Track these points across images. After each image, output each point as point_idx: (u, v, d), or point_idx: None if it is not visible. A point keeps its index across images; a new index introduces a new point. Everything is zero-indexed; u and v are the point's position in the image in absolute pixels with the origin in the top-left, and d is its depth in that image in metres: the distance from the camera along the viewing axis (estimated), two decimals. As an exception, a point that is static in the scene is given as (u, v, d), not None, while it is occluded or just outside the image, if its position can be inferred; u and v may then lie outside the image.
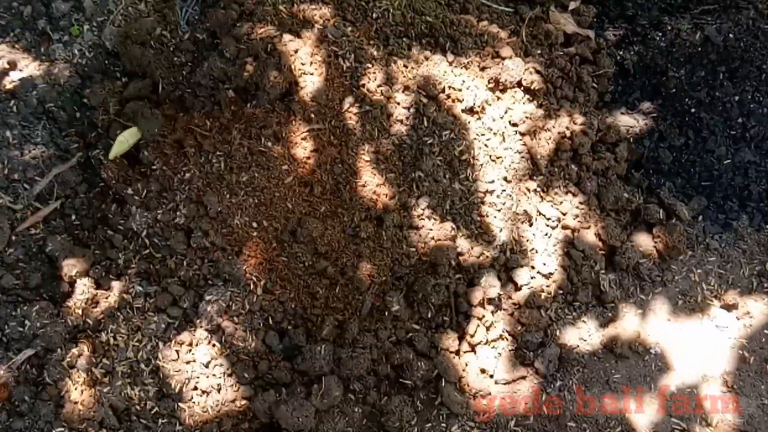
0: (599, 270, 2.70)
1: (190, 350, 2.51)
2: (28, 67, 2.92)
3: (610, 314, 2.69)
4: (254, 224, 2.59)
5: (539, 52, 2.96)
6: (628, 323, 2.66)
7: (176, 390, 2.47)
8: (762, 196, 2.86)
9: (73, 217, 2.74)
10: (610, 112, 2.99)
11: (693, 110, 2.94)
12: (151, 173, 2.69)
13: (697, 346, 2.65)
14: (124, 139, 2.72)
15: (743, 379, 2.60)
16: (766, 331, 2.67)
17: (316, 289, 2.57)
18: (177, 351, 2.51)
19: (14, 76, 2.88)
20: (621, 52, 3.09)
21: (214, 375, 2.48)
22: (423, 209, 2.59)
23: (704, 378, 2.60)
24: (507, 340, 2.57)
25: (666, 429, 2.54)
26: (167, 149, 2.69)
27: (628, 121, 2.95)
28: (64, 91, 2.90)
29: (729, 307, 2.70)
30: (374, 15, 2.74)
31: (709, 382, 2.60)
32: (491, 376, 2.54)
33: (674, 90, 2.98)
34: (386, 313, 2.56)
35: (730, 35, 3.05)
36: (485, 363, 2.53)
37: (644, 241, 2.77)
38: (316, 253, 2.58)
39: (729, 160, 2.88)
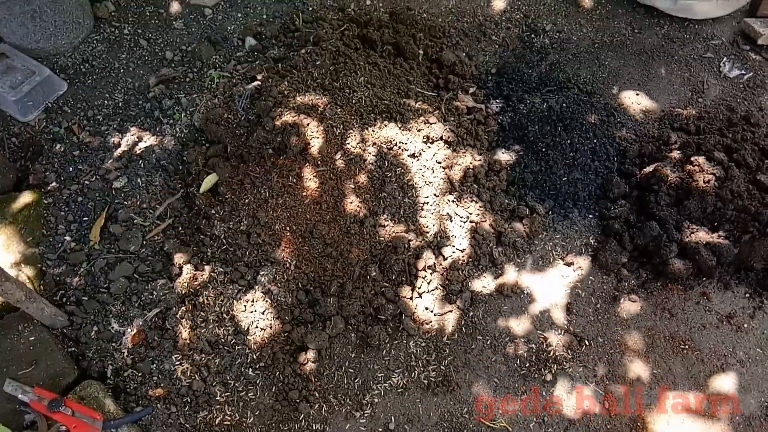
0: (492, 246, 2.74)
1: (252, 305, 2.54)
2: (149, 140, 2.99)
3: (499, 272, 2.72)
4: (287, 228, 2.64)
5: (452, 119, 3.02)
6: (510, 276, 2.71)
7: (245, 329, 2.51)
8: (585, 198, 2.90)
9: (180, 228, 2.76)
10: (495, 152, 3.03)
11: (543, 149, 2.99)
12: (225, 201, 2.73)
13: (550, 287, 2.71)
14: (208, 181, 2.78)
15: (578, 305, 2.67)
16: (591, 278, 2.72)
17: (326, 266, 2.61)
18: (245, 305, 2.54)
19: (141, 146, 2.95)
20: (501, 117, 3.14)
21: (267, 319, 2.53)
22: (387, 215, 2.65)
23: (554, 305, 2.66)
24: (440, 289, 2.62)
25: (535, 338, 2.57)
26: (234, 186, 2.73)
27: (506, 157, 3.00)
28: (171, 153, 2.95)
29: (569, 264, 2.75)
30: (353, 101, 2.79)
31: (558, 308, 2.65)
32: (431, 311, 2.59)
33: (532, 138, 3.02)
34: (368, 278, 2.60)
35: (564, 104, 3.10)
36: (427, 303, 2.59)
37: (518, 228, 2.82)
38: (325, 244, 2.63)
39: (565, 178, 2.92)
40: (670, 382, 2.47)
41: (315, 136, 2.63)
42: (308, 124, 2.65)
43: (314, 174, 2.61)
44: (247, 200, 2.66)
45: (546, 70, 3.30)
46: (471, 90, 3.18)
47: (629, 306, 2.64)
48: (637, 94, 3.23)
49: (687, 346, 2.54)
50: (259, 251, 2.61)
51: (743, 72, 3.30)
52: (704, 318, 2.60)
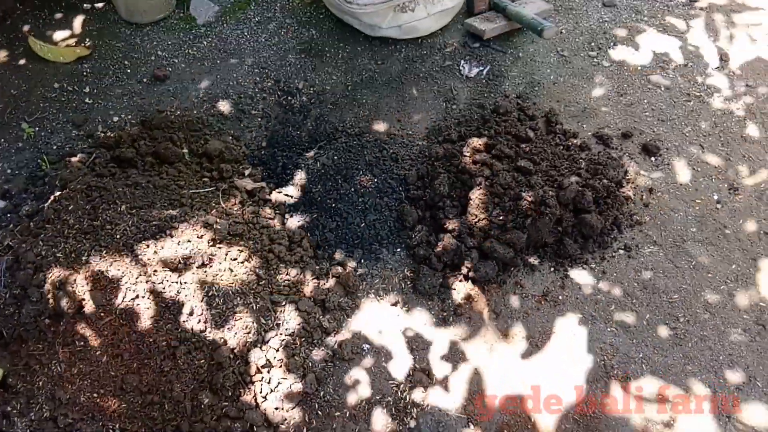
0: (318, 315, 2.70)
1: (83, 495, 2.27)
2: None
3: (334, 339, 2.68)
4: (95, 395, 2.41)
5: (236, 208, 2.95)
6: (346, 339, 2.69)
7: None
8: (388, 236, 2.96)
9: (-25, 442, 2.41)
10: (291, 224, 3.02)
11: (333, 205, 3.04)
12: (18, 392, 2.44)
13: (386, 334, 2.71)
14: (-8, 378, 2.47)
15: (416, 340, 2.68)
16: (418, 308, 2.76)
17: (153, 414, 2.42)
18: (74, 500, 2.27)
19: None
20: (284, 188, 3.13)
21: (105, 502, 2.26)
22: (197, 336, 2.50)
23: (395, 350, 2.66)
24: (282, 383, 2.52)
25: (388, 389, 2.54)
26: (22, 372, 2.46)
27: (303, 225, 3.01)
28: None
29: (394, 304, 2.78)
30: (118, 236, 2.61)
31: (399, 350, 2.65)
32: (282, 409, 2.49)
33: (320, 198, 3.06)
34: (203, 406, 2.44)
35: (335, 156, 3.18)
36: (275, 403, 2.49)
37: (338, 288, 2.82)
38: (142, 393, 2.43)
39: (363, 224, 2.97)
40: (518, 378, 2.58)
41: (86, 289, 2.44)
42: (75, 280, 2.45)
43: (100, 328, 2.42)
44: (40, 383, 2.41)
45: (313, 127, 3.36)
46: (247, 172, 3.16)
47: (458, 321, 2.70)
48: (399, 121, 3.39)
49: (520, 337, 2.68)
50: (72, 433, 2.37)
51: (481, 68, 3.62)
52: (524, 305, 2.76)
